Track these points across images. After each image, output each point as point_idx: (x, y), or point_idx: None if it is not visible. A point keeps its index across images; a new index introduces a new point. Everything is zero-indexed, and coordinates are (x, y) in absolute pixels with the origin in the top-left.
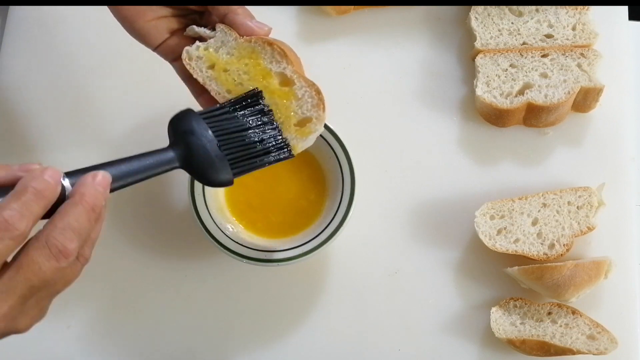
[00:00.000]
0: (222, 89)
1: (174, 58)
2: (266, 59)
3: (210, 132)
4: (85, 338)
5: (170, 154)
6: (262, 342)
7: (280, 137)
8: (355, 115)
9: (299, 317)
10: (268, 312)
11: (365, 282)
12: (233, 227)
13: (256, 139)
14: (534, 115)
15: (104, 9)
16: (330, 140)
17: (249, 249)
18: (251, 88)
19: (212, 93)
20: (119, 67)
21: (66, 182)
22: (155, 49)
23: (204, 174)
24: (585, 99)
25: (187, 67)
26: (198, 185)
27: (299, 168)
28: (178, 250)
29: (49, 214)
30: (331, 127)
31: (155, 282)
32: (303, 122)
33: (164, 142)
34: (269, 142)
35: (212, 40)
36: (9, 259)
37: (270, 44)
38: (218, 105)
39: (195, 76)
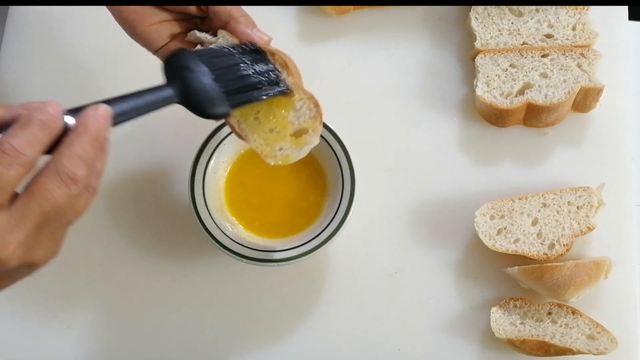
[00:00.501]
0: None
1: None
2: None
3: (204, 66)
4: (85, 338)
5: (169, 90)
6: (262, 342)
7: (275, 73)
8: (355, 115)
9: (299, 317)
10: (268, 312)
11: (365, 282)
12: (233, 227)
13: (250, 73)
14: (534, 115)
15: (104, 9)
16: (330, 140)
17: (249, 249)
18: None
19: None
20: (119, 67)
21: (68, 118)
22: (156, 52)
23: (201, 107)
24: (585, 99)
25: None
26: (198, 185)
27: (299, 168)
28: (178, 250)
29: (52, 150)
30: (331, 127)
31: (155, 282)
32: (299, 133)
33: (164, 141)
34: (264, 76)
35: (213, 46)
36: (19, 190)
37: (272, 53)
38: (213, 46)
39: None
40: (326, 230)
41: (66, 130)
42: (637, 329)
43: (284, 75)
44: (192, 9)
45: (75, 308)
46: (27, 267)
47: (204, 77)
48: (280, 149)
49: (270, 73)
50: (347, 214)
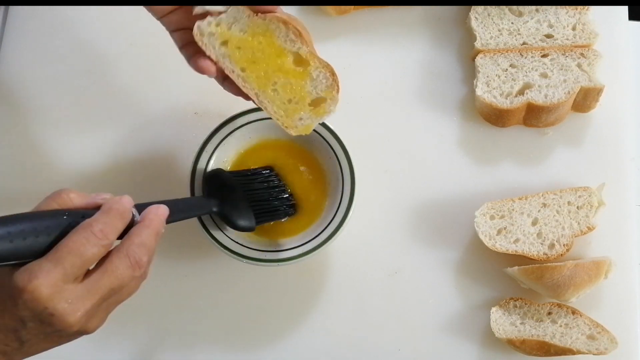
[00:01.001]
0: (235, 67)
1: (175, 29)
2: (280, 37)
3: (240, 188)
4: (85, 338)
5: (212, 201)
6: (262, 342)
7: (290, 200)
8: (355, 115)
9: (299, 317)
10: (268, 312)
11: (365, 282)
12: None
13: (272, 198)
14: (534, 115)
15: (104, 9)
16: (330, 140)
17: (249, 249)
18: (265, 67)
19: (226, 71)
20: (119, 67)
21: (134, 210)
22: (160, 18)
23: (234, 221)
24: (585, 99)
25: (199, 43)
26: (198, 185)
27: (299, 168)
28: (178, 250)
29: (121, 235)
30: (331, 127)
31: (156, 282)
32: (317, 102)
33: (164, 141)
34: (283, 202)
35: (224, 15)
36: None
37: (285, 22)
38: (244, 169)
39: (207, 53)
40: (326, 230)
41: (133, 221)
42: (637, 329)
43: (289, 192)
44: None
45: None
46: (79, 334)
47: (241, 198)
48: (300, 119)
49: (289, 200)
50: (347, 214)
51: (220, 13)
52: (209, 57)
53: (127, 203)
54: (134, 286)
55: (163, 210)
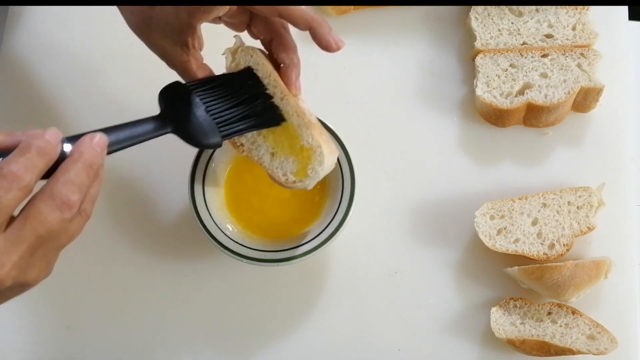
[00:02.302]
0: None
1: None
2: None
3: (198, 98)
4: (85, 338)
5: (162, 119)
6: (262, 342)
7: (269, 101)
8: (355, 115)
9: (298, 317)
10: (268, 312)
11: (365, 282)
12: (233, 227)
13: (242, 102)
14: (534, 115)
15: (104, 9)
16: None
17: (249, 249)
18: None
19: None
20: (119, 66)
21: (66, 145)
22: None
23: (194, 137)
24: (585, 99)
25: None
26: (198, 185)
27: None
28: (178, 250)
29: (49, 175)
30: (331, 127)
31: (155, 282)
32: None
33: (164, 141)
34: (257, 106)
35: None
36: (15, 213)
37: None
38: (207, 77)
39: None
40: (326, 230)
41: (64, 157)
42: (637, 329)
43: (277, 99)
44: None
45: (75, 308)
46: (19, 287)
47: (197, 109)
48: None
49: (260, 102)
50: (347, 214)
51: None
52: None
53: (51, 137)
54: (74, 228)
55: (98, 139)
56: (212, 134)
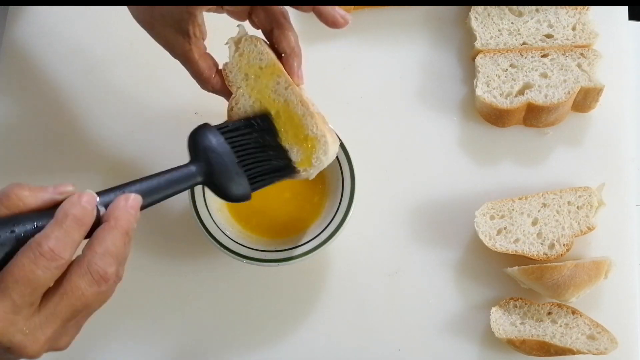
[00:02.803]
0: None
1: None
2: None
3: (229, 147)
4: (85, 338)
5: (193, 170)
6: (262, 342)
7: (287, 157)
8: (355, 115)
9: (298, 317)
10: (268, 312)
11: (365, 282)
12: (233, 227)
13: (269, 157)
14: (534, 115)
15: (104, 9)
16: None
17: (249, 249)
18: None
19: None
20: (119, 66)
21: (99, 202)
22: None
23: (224, 189)
24: (585, 99)
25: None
26: (198, 186)
27: None
28: (178, 250)
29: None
30: (331, 126)
31: (155, 282)
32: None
33: (165, 141)
34: (280, 161)
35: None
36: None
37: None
38: (232, 121)
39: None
40: (326, 230)
41: (98, 217)
42: (637, 329)
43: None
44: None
45: None
46: (50, 351)
47: (229, 160)
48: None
49: (281, 155)
50: (347, 214)
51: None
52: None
53: (87, 203)
54: (106, 295)
55: (133, 202)
56: (242, 187)
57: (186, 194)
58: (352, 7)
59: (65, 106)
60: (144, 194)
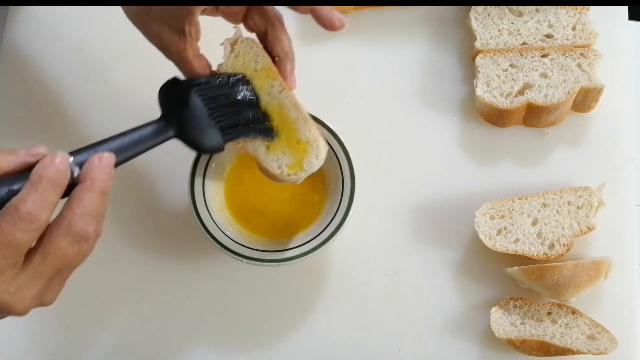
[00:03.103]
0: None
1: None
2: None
3: (199, 100)
4: (85, 338)
5: (164, 125)
6: (262, 342)
7: (260, 114)
8: (355, 115)
9: (298, 317)
10: (268, 312)
11: (365, 282)
12: (233, 227)
13: (241, 108)
14: (534, 115)
15: (104, 9)
16: (330, 140)
17: (249, 249)
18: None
19: None
20: (119, 66)
21: (73, 163)
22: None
23: (196, 142)
24: (585, 99)
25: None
26: (198, 185)
27: None
28: (178, 250)
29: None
30: (331, 127)
31: (155, 282)
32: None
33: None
34: (254, 113)
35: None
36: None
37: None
38: (206, 76)
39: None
40: (326, 230)
41: (73, 177)
42: (637, 329)
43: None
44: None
45: (75, 308)
46: (36, 307)
47: (199, 111)
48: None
49: (259, 114)
50: (347, 214)
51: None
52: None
53: (60, 164)
54: (86, 251)
55: (107, 161)
56: (214, 138)
57: (186, 193)
58: (352, 7)
59: (65, 106)
60: (116, 151)
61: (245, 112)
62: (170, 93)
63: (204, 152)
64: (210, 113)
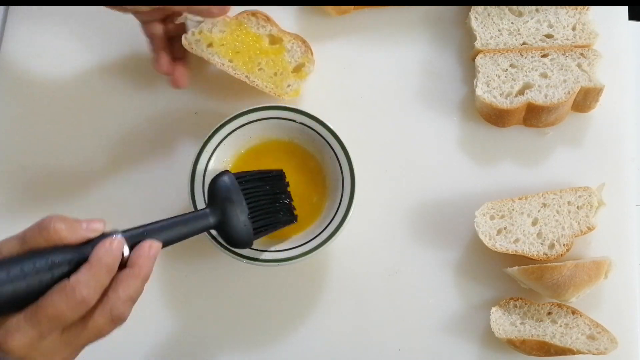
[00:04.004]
0: (224, 60)
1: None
2: (253, 26)
3: (245, 202)
4: None
5: (211, 221)
6: (262, 342)
7: (291, 206)
8: (355, 115)
9: (299, 317)
10: (268, 312)
11: (365, 282)
12: None
13: (276, 210)
14: (534, 115)
15: (104, 9)
16: (330, 140)
17: (249, 249)
18: (248, 54)
19: (217, 65)
20: (119, 67)
21: (125, 247)
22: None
23: (230, 237)
24: (585, 99)
25: (190, 49)
26: (198, 185)
27: (299, 168)
28: (178, 250)
29: None
30: (331, 127)
31: (155, 282)
32: (298, 68)
33: (166, 141)
34: (285, 214)
35: (203, 24)
36: None
37: (254, 14)
38: (250, 171)
39: (199, 54)
40: (326, 230)
41: (122, 258)
42: (637, 329)
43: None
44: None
45: None
46: None
47: (242, 214)
48: (288, 85)
49: (291, 207)
50: (347, 214)
51: (199, 22)
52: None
53: (117, 250)
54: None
55: (155, 251)
56: (248, 236)
57: (186, 193)
58: (352, 7)
59: (65, 106)
60: (164, 240)
61: (278, 212)
62: (221, 188)
63: (232, 246)
64: (251, 217)
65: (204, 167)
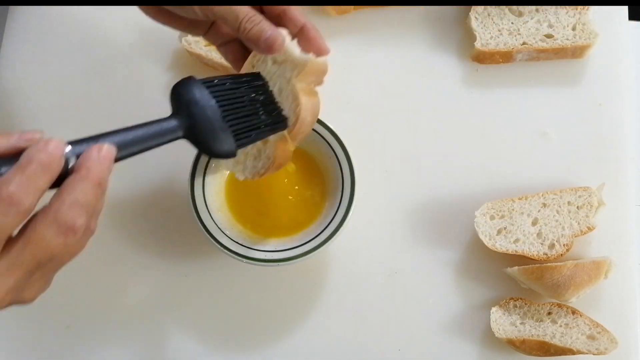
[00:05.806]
0: (224, 59)
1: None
2: None
3: (214, 101)
4: (85, 338)
5: (174, 123)
6: (262, 342)
7: (277, 110)
8: (355, 115)
9: (298, 317)
10: (268, 312)
11: (365, 282)
12: (233, 227)
13: (256, 112)
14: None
15: (104, 9)
16: (330, 140)
17: (249, 249)
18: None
19: (216, 63)
20: (119, 67)
21: (69, 152)
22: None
23: (207, 144)
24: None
25: (190, 49)
26: (198, 185)
27: (299, 168)
28: (178, 250)
29: (53, 185)
30: (331, 127)
31: (155, 282)
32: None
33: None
34: (268, 115)
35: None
36: (14, 233)
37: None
38: (219, 76)
39: (198, 52)
40: (326, 230)
41: (67, 167)
42: (637, 329)
43: (285, 110)
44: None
45: (75, 308)
46: (15, 305)
47: (213, 114)
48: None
49: (276, 110)
50: (347, 214)
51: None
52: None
53: (54, 149)
54: (76, 248)
55: (107, 153)
56: (227, 143)
57: (186, 193)
58: (352, 7)
59: (65, 106)
60: (119, 145)
61: (260, 115)
62: (184, 91)
63: (214, 156)
64: (224, 116)
65: (204, 167)
